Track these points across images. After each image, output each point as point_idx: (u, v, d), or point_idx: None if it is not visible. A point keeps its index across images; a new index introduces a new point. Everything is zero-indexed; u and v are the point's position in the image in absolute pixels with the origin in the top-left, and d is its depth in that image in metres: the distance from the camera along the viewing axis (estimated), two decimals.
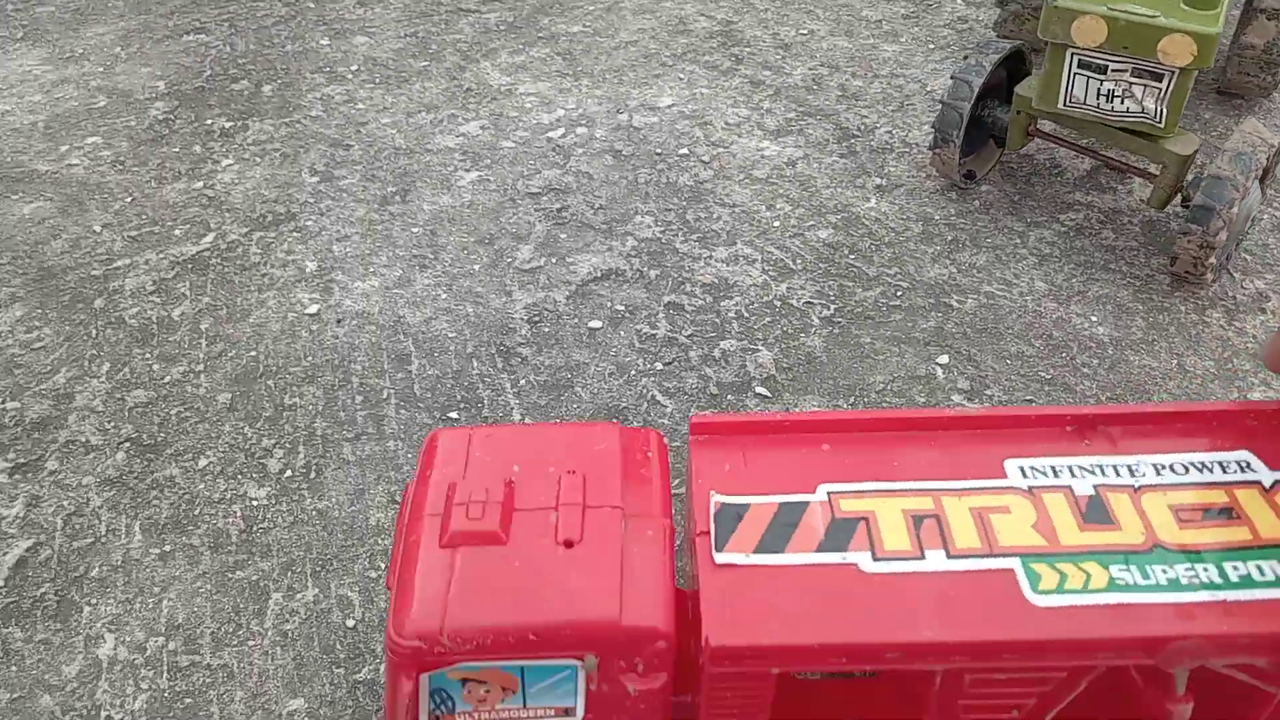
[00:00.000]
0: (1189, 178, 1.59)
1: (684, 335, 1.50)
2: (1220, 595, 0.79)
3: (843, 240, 1.68)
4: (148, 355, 1.46)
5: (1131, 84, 1.48)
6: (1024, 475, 0.88)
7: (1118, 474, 0.88)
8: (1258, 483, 0.86)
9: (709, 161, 1.84)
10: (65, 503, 1.27)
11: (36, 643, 1.13)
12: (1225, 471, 0.87)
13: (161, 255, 1.63)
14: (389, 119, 1.95)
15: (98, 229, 1.69)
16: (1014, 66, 1.72)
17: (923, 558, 0.83)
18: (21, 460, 1.32)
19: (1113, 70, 1.48)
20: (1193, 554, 0.81)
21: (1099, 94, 1.52)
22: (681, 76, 2.07)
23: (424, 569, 0.82)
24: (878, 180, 1.80)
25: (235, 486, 1.29)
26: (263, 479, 1.30)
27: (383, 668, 1.05)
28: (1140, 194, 1.78)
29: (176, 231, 1.68)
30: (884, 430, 0.93)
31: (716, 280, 1.59)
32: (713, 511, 0.86)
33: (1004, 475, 0.88)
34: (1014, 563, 0.82)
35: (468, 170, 1.82)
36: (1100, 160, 1.73)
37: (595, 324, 1.52)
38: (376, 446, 1.34)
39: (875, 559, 0.82)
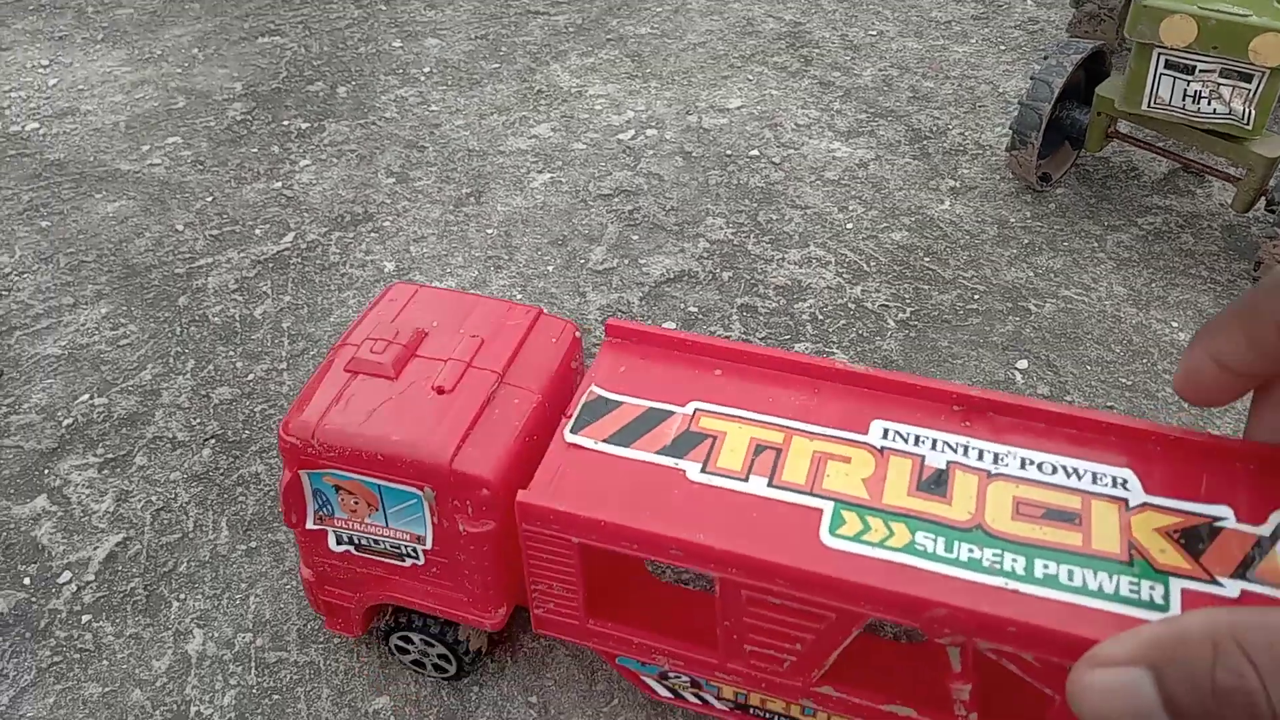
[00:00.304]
0: (1274, 181, 1.56)
1: (758, 337, 1.50)
2: (1013, 584, 0.77)
3: (917, 242, 1.66)
4: (231, 353, 1.49)
5: (1220, 84, 1.46)
6: (883, 436, 0.90)
7: (979, 458, 0.87)
8: (1123, 500, 0.82)
9: (779, 163, 1.84)
10: (154, 498, 1.30)
11: (127, 637, 1.16)
12: (1095, 482, 0.84)
13: (243, 254, 1.66)
14: (462, 120, 1.96)
15: (180, 228, 1.72)
16: (1093, 67, 1.70)
17: (745, 480, 0.87)
18: (110, 455, 1.35)
19: (1201, 70, 1.45)
20: (1010, 543, 0.80)
21: (1185, 95, 1.49)
22: (750, 78, 2.06)
23: (324, 386, 0.97)
24: (951, 182, 1.79)
25: None
26: None
27: None
28: (1220, 198, 1.74)
29: (257, 231, 1.70)
30: (779, 369, 0.97)
31: (790, 282, 1.59)
32: (584, 400, 0.94)
33: (864, 432, 0.90)
34: (827, 505, 0.84)
35: (540, 172, 1.83)
36: (1181, 162, 1.70)
37: (669, 325, 1.52)
38: None
39: (703, 471, 0.88)
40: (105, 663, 1.14)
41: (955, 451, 0.88)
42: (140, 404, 1.42)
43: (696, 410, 0.93)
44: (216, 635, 1.16)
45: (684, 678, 1.01)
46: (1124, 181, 1.79)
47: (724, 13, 2.29)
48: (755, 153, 1.86)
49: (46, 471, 1.33)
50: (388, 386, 0.96)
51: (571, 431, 0.91)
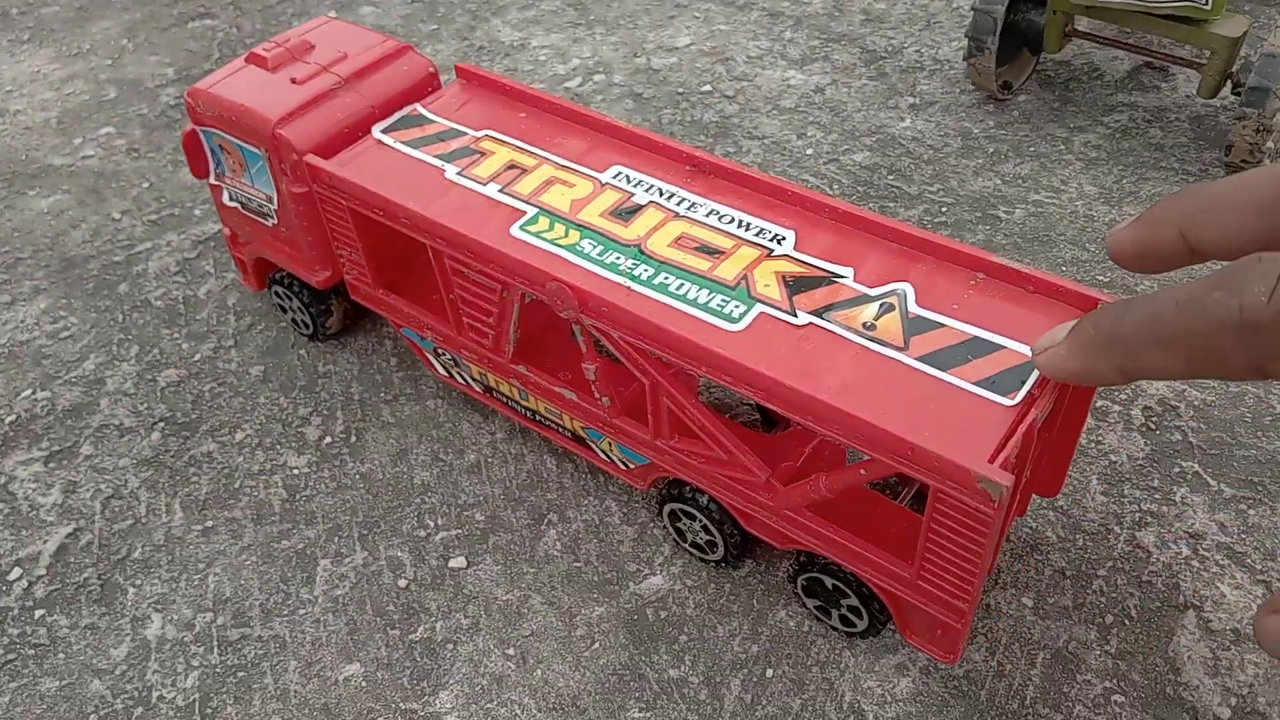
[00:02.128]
0: (1238, 64, 1.50)
1: None
2: (629, 283, 0.95)
3: (880, 162, 1.61)
4: (176, 335, 1.43)
5: None
6: (614, 176, 1.08)
7: (678, 203, 1.04)
8: (768, 249, 0.98)
9: (733, 96, 1.78)
10: (103, 486, 1.24)
11: (83, 628, 1.10)
12: (759, 235, 1.00)
13: (183, 236, 1.60)
14: None
15: (117, 216, 1.65)
16: None
17: (484, 185, 1.09)
18: (56, 448, 1.29)
19: None
20: (652, 260, 0.98)
21: None
22: (697, 15, 2.00)
23: (225, 69, 1.25)
24: (910, 99, 1.73)
25: (274, 457, 1.26)
26: (302, 447, 1.26)
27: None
28: (1186, 89, 1.69)
29: (196, 212, 1.64)
30: (571, 120, 1.17)
31: None
32: (403, 112, 1.20)
33: (601, 170, 1.09)
34: (531, 209, 1.05)
35: None
36: (1143, 54, 1.64)
37: None
38: (416, 406, 1.30)
39: (458, 173, 1.11)
40: (61, 656, 1.08)
41: (661, 195, 1.05)
42: (84, 394, 1.36)
43: (485, 135, 1.16)
44: (175, 618, 1.10)
45: (446, 354, 1.22)
46: (1087, 83, 1.73)
47: None
48: (708, 88, 1.80)
49: None
50: (263, 75, 1.23)
51: (382, 131, 1.18)
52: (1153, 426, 1.20)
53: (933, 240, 0.97)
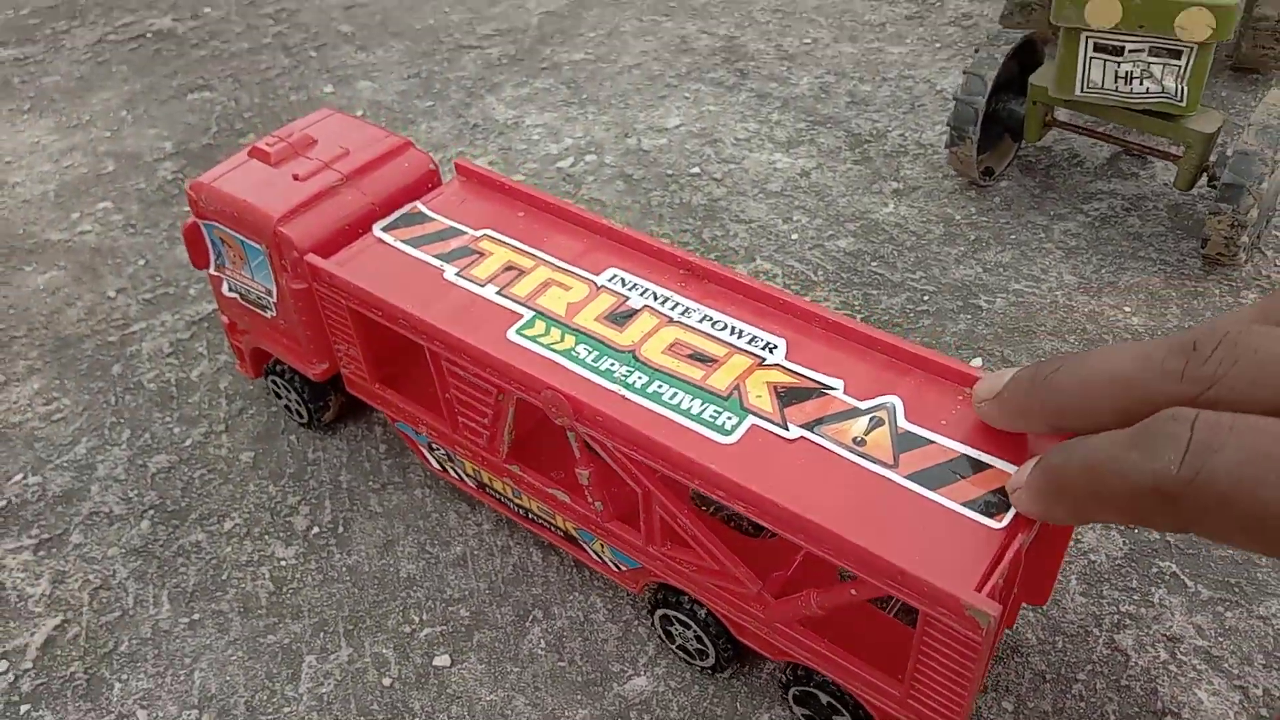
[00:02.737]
0: (1213, 157, 1.54)
1: None
2: (623, 391, 0.97)
3: (864, 248, 1.64)
4: (168, 419, 1.44)
5: (1150, 63, 1.44)
6: (610, 279, 1.11)
7: (672, 308, 1.06)
8: (761, 358, 1.00)
9: (721, 179, 1.81)
10: (91, 576, 1.25)
11: None
12: (751, 342, 1.01)
13: (177, 316, 1.62)
14: None
15: (112, 294, 1.68)
16: (1026, 58, 1.69)
17: (482, 286, 1.11)
18: (46, 536, 1.30)
19: (1130, 50, 1.44)
20: (647, 367, 1.00)
21: (1117, 76, 1.48)
22: (688, 95, 2.04)
23: (228, 162, 1.28)
24: (894, 184, 1.77)
25: (262, 547, 1.27)
26: (290, 538, 1.27)
27: None
28: (1164, 178, 1.73)
29: (191, 291, 1.66)
30: (568, 220, 1.19)
31: None
32: (404, 210, 1.23)
33: (598, 273, 1.12)
34: (528, 313, 1.07)
35: None
36: (1121, 145, 1.68)
37: None
38: (404, 496, 1.31)
39: (457, 274, 1.13)
40: None
41: (656, 300, 1.08)
42: (75, 479, 1.37)
43: (484, 234, 1.18)
44: (161, 715, 1.11)
45: (441, 450, 1.23)
46: (1067, 169, 1.77)
47: (658, 33, 2.28)
48: (696, 170, 1.84)
49: None
50: (265, 169, 1.25)
51: (382, 230, 1.20)
52: (1130, 525, 1.22)
53: (921, 355, 0.98)
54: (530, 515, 1.19)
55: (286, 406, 1.41)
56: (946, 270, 1.58)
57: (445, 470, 1.27)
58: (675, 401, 0.96)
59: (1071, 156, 1.79)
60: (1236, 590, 1.15)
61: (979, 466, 0.89)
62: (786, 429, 0.93)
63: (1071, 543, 1.20)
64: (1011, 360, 1.42)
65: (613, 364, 1.00)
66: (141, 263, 1.73)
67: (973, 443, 0.91)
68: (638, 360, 1.00)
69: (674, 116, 1.98)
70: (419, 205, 1.24)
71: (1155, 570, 1.17)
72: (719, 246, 1.66)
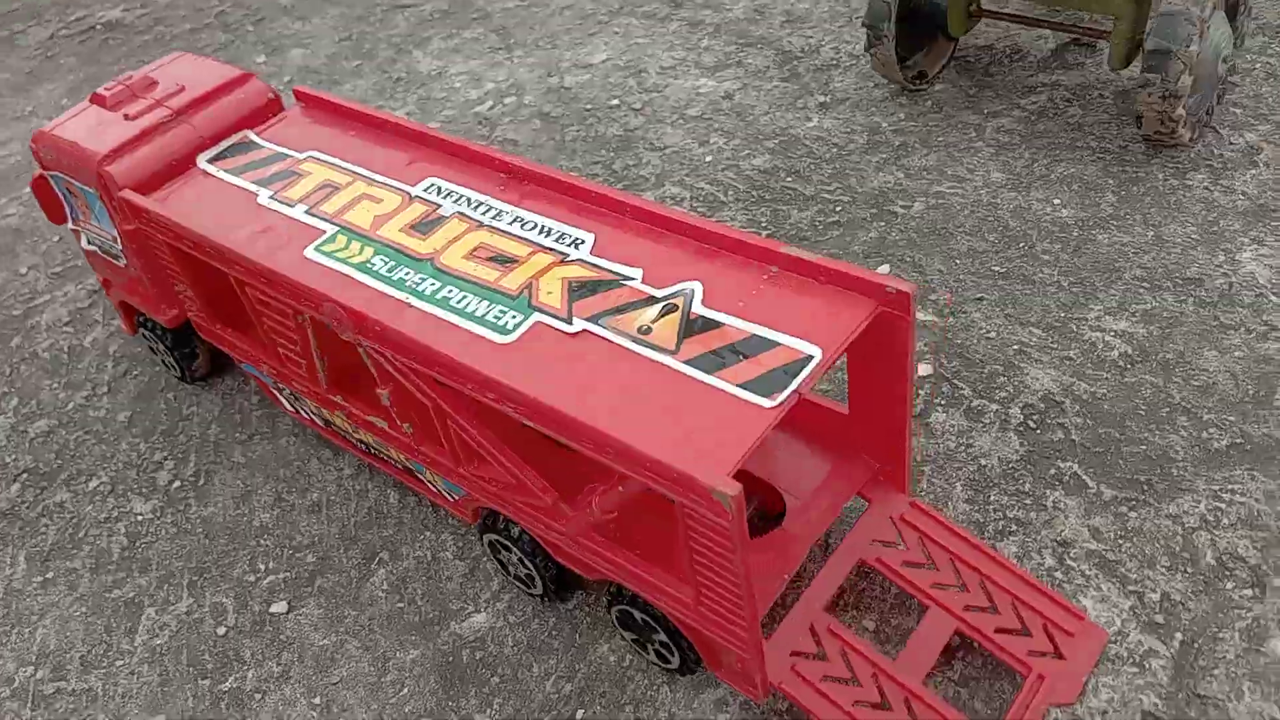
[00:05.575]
0: (1149, 26, 1.40)
1: None
2: (411, 299, 0.91)
3: (780, 164, 1.53)
4: (55, 385, 1.42)
5: None
6: (425, 189, 1.05)
7: (483, 213, 1.00)
8: (563, 255, 0.93)
9: (640, 108, 1.72)
10: None
11: None
12: (558, 241, 0.95)
13: (80, 286, 1.59)
14: None
15: (24, 271, 1.66)
16: None
17: (292, 206, 1.06)
18: None
19: None
20: (443, 273, 0.94)
21: None
22: (617, 30, 1.95)
23: (74, 110, 1.24)
24: (820, 98, 1.65)
25: (122, 504, 1.22)
26: (150, 493, 1.23)
27: None
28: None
29: None
30: (398, 135, 1.13)
31: None
32: (233, 140, 1.18)
33: (414, 184, 1.06)
34: (332, 228, 1.02)
35: None
36: (1053, 28, 1.54)
37: None
38: (269, 445, 1.26)
39: (270, 197, 1.08)
40: None
41: (469, 206, 1.01)
42: None
43: (308, 156, 1.13)
44: (1, 674, 1.07)
45: (284, 389, 1.17)
46: (1008, 66, 1.63)
47: None
48: (615, 102, 1.75)
49: None
50: (101, 113, 1.21)
51: (208, 161, 1.16)
52: (1032, 425, 1.10)
53: (726, 234, 0.90)
54: (371, 450, 1.12)
55: (163, 362, 1.37)
56: (865, 179, 1.47)
57: (298, 411, 1.21)
58: (461, 305, 0.91)
59: (1014, 51, 1.66)
60: (1146, 488, 1.03)
61: (767, 345, 0.81)
62: (570, 323, 0.87)
63: (960, 448, 1.09)
64: (921, 264, 1.31)
65: (407, 273, 0.95)
66: (56, 239, 1.72)
67: (766, 321, 0.83)
68: (434, 268, 0.95)
69: (601, 52, 1.89)
70: (249, 134, 1.19)
71: (1053, 472, 1.05)
72: (630, 175, 1.57)
